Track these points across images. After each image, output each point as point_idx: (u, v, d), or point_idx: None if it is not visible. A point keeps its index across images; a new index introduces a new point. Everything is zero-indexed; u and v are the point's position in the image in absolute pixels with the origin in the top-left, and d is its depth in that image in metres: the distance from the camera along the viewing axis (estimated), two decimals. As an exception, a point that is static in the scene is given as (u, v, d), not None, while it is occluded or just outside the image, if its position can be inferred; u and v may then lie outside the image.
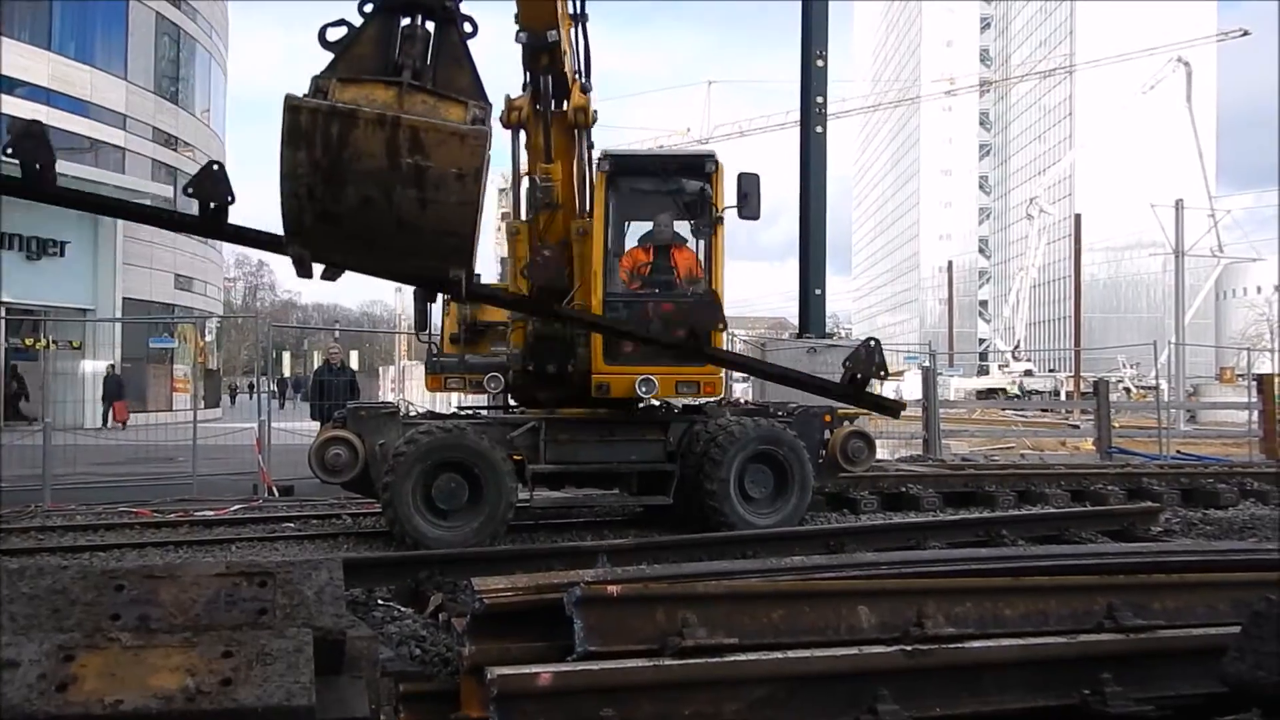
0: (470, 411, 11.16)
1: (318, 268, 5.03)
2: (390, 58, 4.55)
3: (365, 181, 4.46)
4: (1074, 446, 22.31)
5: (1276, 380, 19.12)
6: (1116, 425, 19.67)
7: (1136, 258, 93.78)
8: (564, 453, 9.70)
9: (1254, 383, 21.20)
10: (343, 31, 4.54)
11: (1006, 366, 56.51)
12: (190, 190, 4.81)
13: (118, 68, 32.06)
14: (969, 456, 18.49)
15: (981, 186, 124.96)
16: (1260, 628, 3.59)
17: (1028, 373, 54.70)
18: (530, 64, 7.95)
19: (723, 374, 10.19)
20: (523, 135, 8.97)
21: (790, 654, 3.85)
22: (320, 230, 4.63)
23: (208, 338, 38.20)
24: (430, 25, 4.62)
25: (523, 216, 9.54)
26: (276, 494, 12.61)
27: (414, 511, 8.84)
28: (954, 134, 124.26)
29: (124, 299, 30.16)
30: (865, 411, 14.79)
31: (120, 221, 30.21)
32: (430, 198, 4.50)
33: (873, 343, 6.02)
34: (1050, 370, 59.14)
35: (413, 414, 10.02)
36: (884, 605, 4.22)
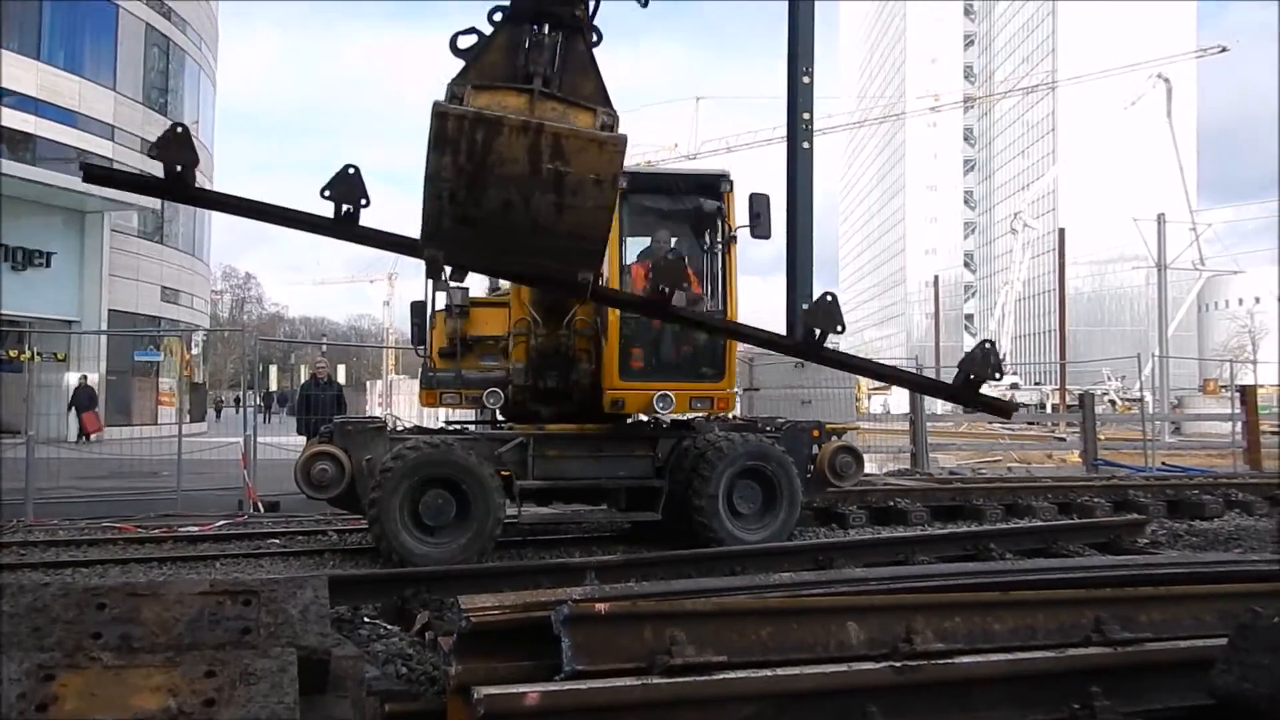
0: (458, 427, 11.13)
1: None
2: (519, 65, 4.65)
3: (506, 186, 4.59)
4: (1060, 459, 22.39)
5: (1259, 391, 19.25)
6: (1102, 438, 19.75)
7: (1120, 271, 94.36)
8: (552, 468, 9.67)
9: (1237, 394, 21.36)
10: (473, 39, 4.66)
11: (993, 380, 56.68)
12: (327, 193, 4.99)
13: (106, 78, 31.98)
14: (956, 470, 18.53)
15: (966, 201, 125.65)
16: (1247, 640, 3.59)
17: (1014, 386, 54.87)
18: None
19: (735, 390, 10.17)
20: None
21: (779, 671, 3.83)
22: (457, 233, 4.76)
23: (194, 351, 38.02)
24: (557, 34, 4.72)
25: None
26: (262, 510, 12.53)
27: (401, 528, 8.78)
28: (939, 149, 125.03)
29: (109, 311, 30.01)
30: (853, 426, 14.91)
31: (107, 232, 30.15)
32: (567, 202, 4.64)
33: (988, 344, 5.90)
34: (1036, 383, 59.38)
35: (400, 429, 9.98)
36: (873, 621, 4.21)
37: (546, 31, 4.68)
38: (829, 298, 5.76)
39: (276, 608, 3.25)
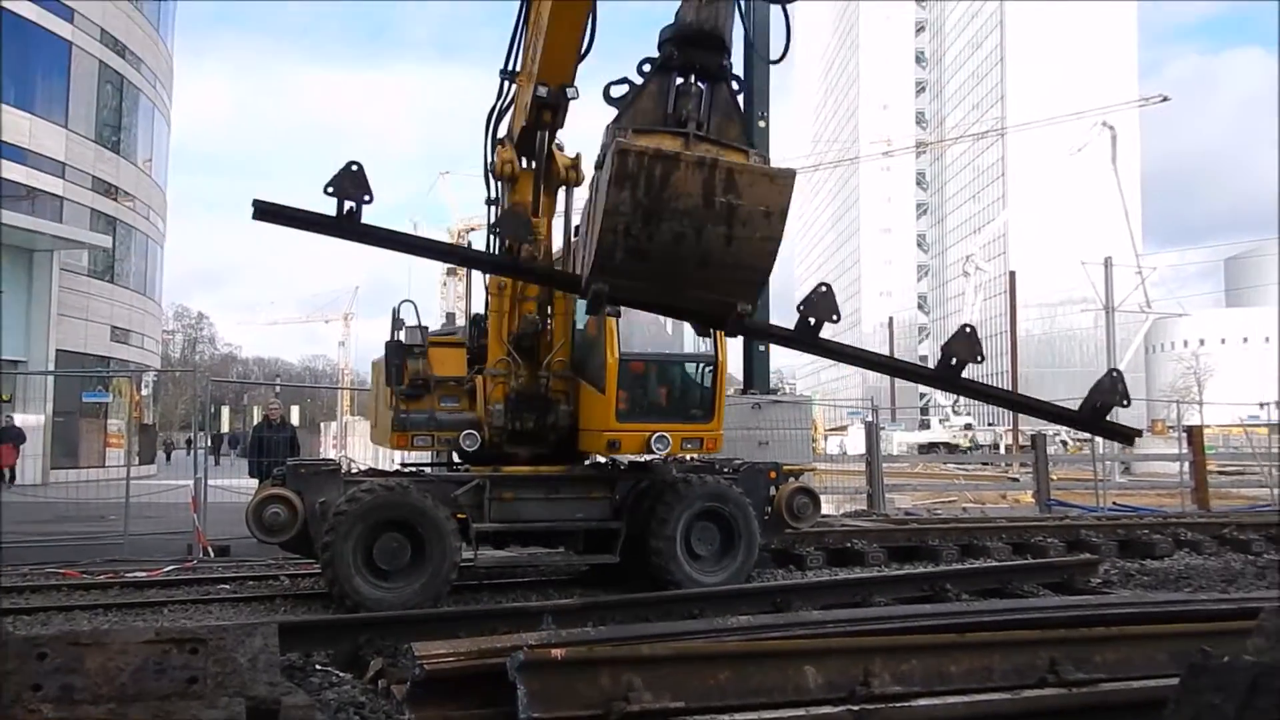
0: (414, 469, 11.02)
1: None
2: (670, 111, 5.04)
3: (680, 218, 4.83)
4: (1014, 499, 22.62)
5: (1205, 432, 19.62)
6: (1054, 478, 19.99)
7: (1069, 313, 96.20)
8: (509, 511, 9.60)
9: (1184, 434, 21.72)
10: (625, 89, 5.08)
11: (947, 420, 57.32)
12: (496, 230, 5.99)
13: (58, 115, 31.61)
14: (912, 511, 18.65)
15: (920, 244, 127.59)
16: (1198, 680, 3.62)
17: (967, 426, 55.53)
18: (536, 118, 8.52)
19: (722, 430, 10.34)
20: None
21: (737, 716, 3.81)
22: (627, 266, 4.94)
23: (144, 392, 37.34)
24: (704, 83, 5.16)
25: None
26: (211, 554, 12.27)
27: (354, 572, 8.65)
28: (892, 193, 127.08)
29: (58, 351, 29.42)
30: (810, 468, 14.96)
31: (56, 271, 29.65)
32: (736, 234, 4.90)
33: (1115, 372, 6.06)
34: (990, 424, 60.09)
35: (354, 471, 9.86)
36: (831, 664, 4.21)
37: (693, 80, 5.11)
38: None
39: (224, 656, 3.18)
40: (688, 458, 10.97)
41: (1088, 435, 30.27)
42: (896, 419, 61.48)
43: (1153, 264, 63.27)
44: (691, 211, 4.82)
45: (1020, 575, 10.13)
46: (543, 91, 8.13)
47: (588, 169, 8.32)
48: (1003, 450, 44.72)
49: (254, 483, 12.88)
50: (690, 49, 5.13)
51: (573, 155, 9.47)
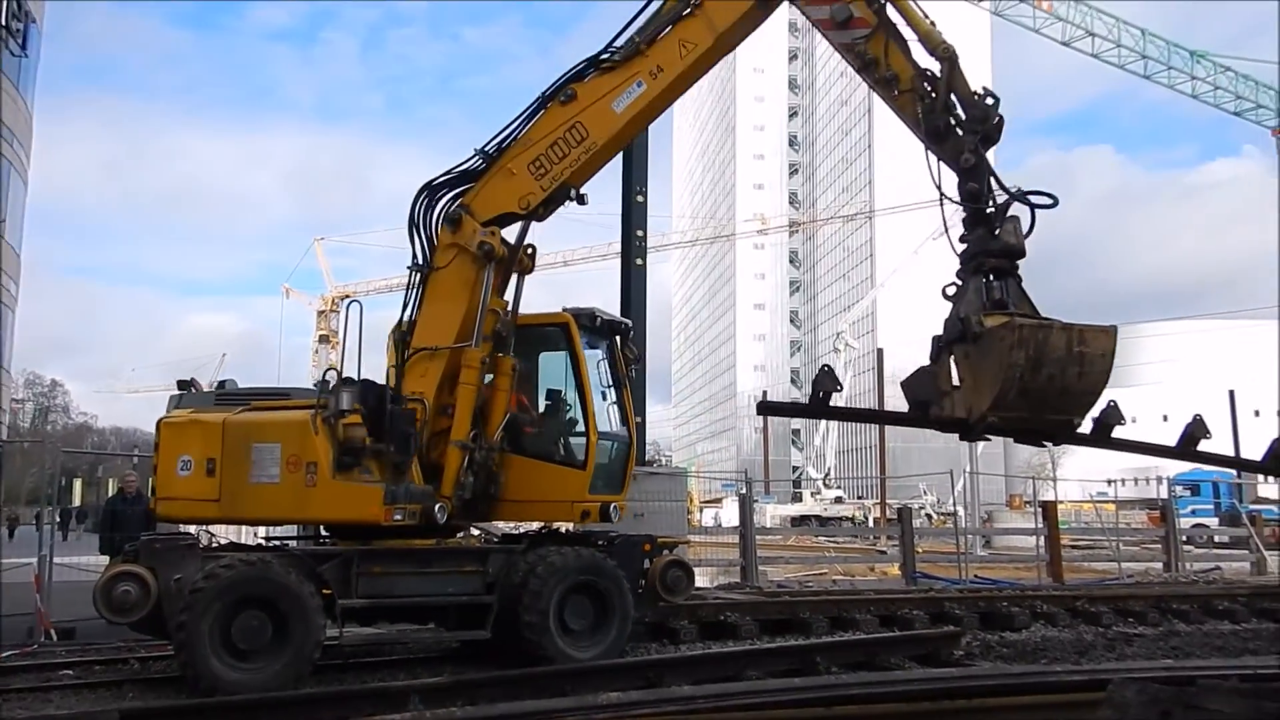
0: (277, 543, 10.61)
1: None
2: (990, 299, 7.96)
3: (1053, 364, 7.35)
4: (882, 571, 23.11)
5: (1059, 507, 20.50)
6: (920, 550, 20.53)
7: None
8: (377, 586, 9.29)
9: (1040, 509, 22.67)
10: (953, 289, 8.38)
11: (819, 494, 58.40)
12: (908, 392, 8.37)
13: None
14: (784, 583, 18.85)
15: (793, 320, 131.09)
16: (1051, 751, 3.76)
17: (838, 499, 56.65)
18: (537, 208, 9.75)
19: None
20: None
21: (607, 797, 3.76)
22: (1017, 402, 7.38)
23: (-13, 463, 34.98)
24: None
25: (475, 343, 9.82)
26: (55, 637, 11.48)
27: (211, 653, 8.20)
28: (766, 269, 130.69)
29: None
30: (684, 540, 15.00)
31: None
32: (1084, 371, 7.44)
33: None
34: (859, 497, 61.48)
35: (214, 545, 9.44)
36: (701, 741, 4.21)
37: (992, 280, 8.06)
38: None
39: (63, 748, 2.98)
40: (563, 529, 10.96)
41: (951, 509, 31.41)
42: (770, 491, 62.34)
43: (1010, 344, 66.11)
44: (1059, 359, 7.32)
45: (887, 647, 10.32)
46: (566, 191, 9.65)
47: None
48: (870, 523, 45.77)
49: (104, 560, 12.17)
50: (1005, 260, 8.09)
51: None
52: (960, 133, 8.49)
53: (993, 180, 8.35)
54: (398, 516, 9.19)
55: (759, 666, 9.27)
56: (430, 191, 9.99)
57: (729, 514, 41.28)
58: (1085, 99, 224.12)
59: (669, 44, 9.34)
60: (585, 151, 9.49)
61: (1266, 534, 26.79)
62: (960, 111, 8.52)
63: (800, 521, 49.12)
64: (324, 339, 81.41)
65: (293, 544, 10.36)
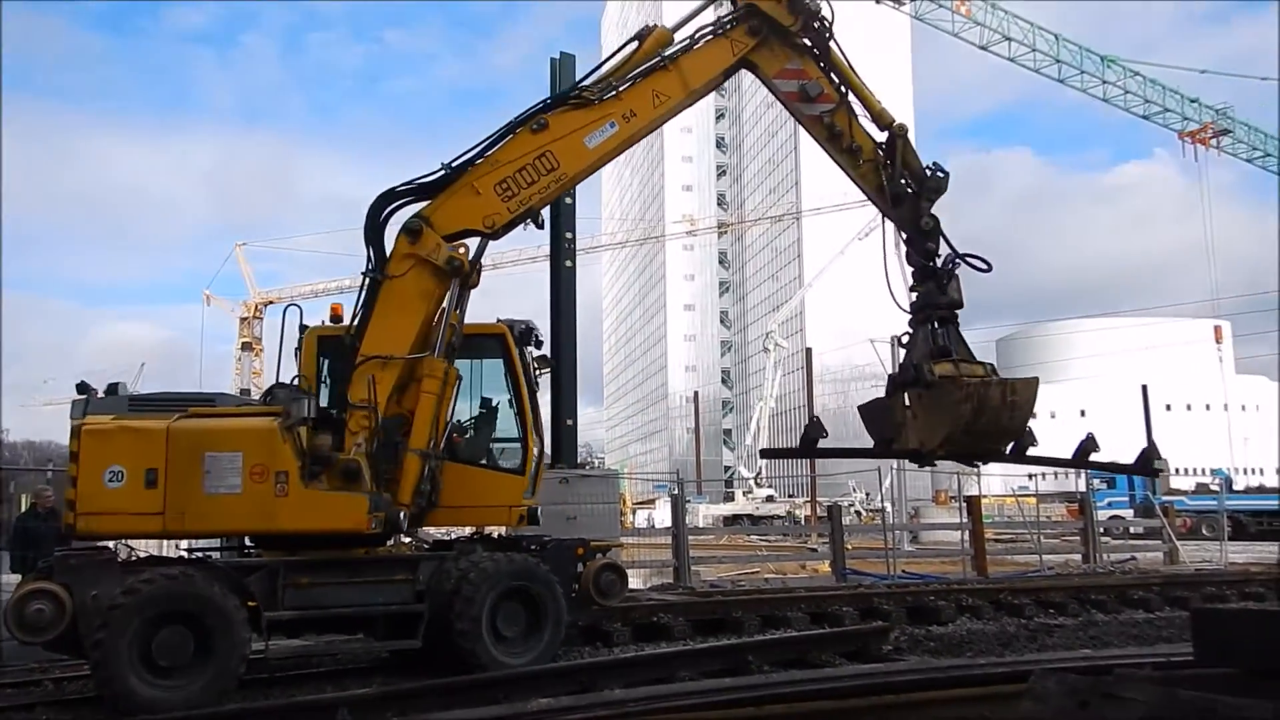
0: (200, 555, 10.34)
1: None
2: (936, 345, 9.61)
3: (991, 411, 9.24)
4: (813, 569, 23.36)
5: (983, 501, 20.94)
6: (849, 547, 20.80)
7: (861, 389, 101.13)
8: (305, 597, 9.11)
9: (964, 504, 23.14)
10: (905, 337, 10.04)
11: (750, 493, 58.87)
12: (866, 421, 10.46)
13: None
14: (717, 583, 18.96)
15: (723, 321, 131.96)
16: (976, 744, 3.84)
17: (769, 498, 57.14)
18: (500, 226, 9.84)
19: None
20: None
21: (539, 806, 3.74)
22: (960, 439, 9.38)
23: (-113, 477, 33.57)
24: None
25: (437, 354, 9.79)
26: (-40, 659, 11.03)
27: (130, 671, 7.97)
28: (696, 271, 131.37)
29: None
30: (617, 543, 15.01)
31: None
32: (1014, 414, 9.32)
33: (1151, 443, 9.44)
34: (790, 495, 62.10)
35: (133, 559, 9.17)
36: (633, 746, 4.21)
37: (937, 328, 9.68)
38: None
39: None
40: (495, 534, 10.92)
41: (880, 505, 31.83)
42: (702, 491, 62.70)
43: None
44: (995, 408, 9.19)
45: (818, 645, 10.45)
46: (530, 214, 9.83)
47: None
48: (801, 521, 46.26)
49: (16, 578, 11.73)
50: (949, 311, 9.73)
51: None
52: (918, 199, 9.94)
53: (945, 241, 9.96)
54: (374, 526, 9.08)
55: (692, 667, 9.30)
56: (388, 199, 9.94)
57: (662, 515, 41.42)
58: (1004, 102, 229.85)
59: (643, 91, 9.81)
60: (555, 181, 9.79)
61: (1179, 525, 27.77)
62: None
63: (733, 521, 49.45)
64: (247, 346, 79.52)
65: (215, 556, 10.11)
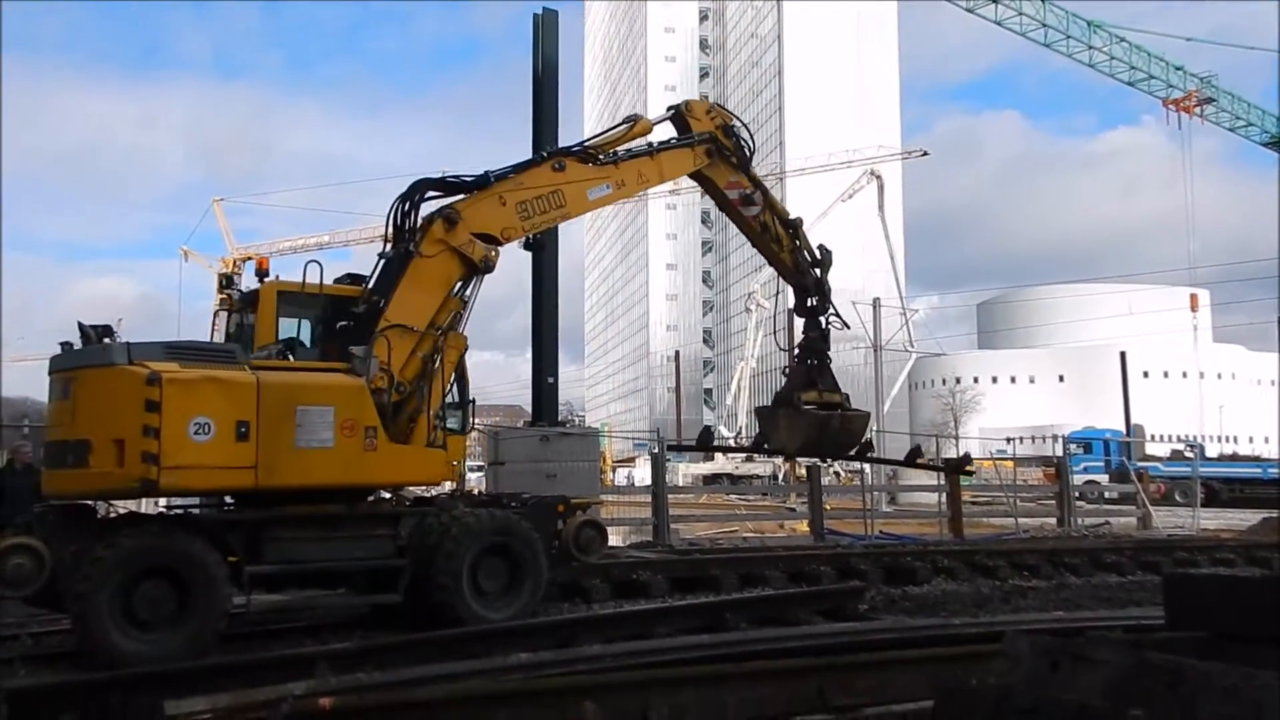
0: (181, 511, 10.32)
1: None
2: (810, 379, 13.14)
3: (830, 433, 12.91)
4: (792, 529, 23.57)
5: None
6: (828, 507, 21.00)
7: (842, 351, 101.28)
8: (286, 552, 9.12)
9: (942, 467, 23.30)
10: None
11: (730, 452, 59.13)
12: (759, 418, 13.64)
13: None
14: (696, 541, 19.11)
15: (705, 280, 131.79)
16: (950, 704, 3.90)
17: (749, 458, 57.45)
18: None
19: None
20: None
21: (517, 759, 3.78)
22: (809, 448, 13.55)
23: None
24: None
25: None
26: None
27: (111, 625, 7.98)
28: (678, 230, 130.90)
29: None
30: (597, 501, 15.12)
31: None
32: (851, 433, 13.19)
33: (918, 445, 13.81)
34: (769, 457, 62.38)
35: (112, 515, 9.14)
36: (610, 699, 4.26)
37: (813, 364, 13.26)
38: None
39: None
40: (476, 491, 10.99)
41: (858, 467, 32.26)
42: (682, 451, 62.94)
43: (915, 306, 67.98)
44: (834, 430, 12.67)
45: (795, 603, 10.55)
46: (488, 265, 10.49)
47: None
48: (781, 481, 46.57)
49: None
50: (823, 353, 13.15)
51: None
52: (822, 270, 13.43)
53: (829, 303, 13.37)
54: (453, 476, 10.53)
55: (670, 624, 9.38)
56: (423, 187, 10.79)
57: (642, 473, 41.59)
58: (992, 65, 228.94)
59: (631, 168, 11.78)
60: (560, 216, 11.43)
61: (1152, 490, 28.13)
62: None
63: (712, 480, 49.73)
64: (225, 304, 78.72)
65: (196, 512, 10.09)
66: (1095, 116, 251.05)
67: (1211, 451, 49.60)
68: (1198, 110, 49.73)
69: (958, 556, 14.78)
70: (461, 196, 10.68)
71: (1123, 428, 44.28)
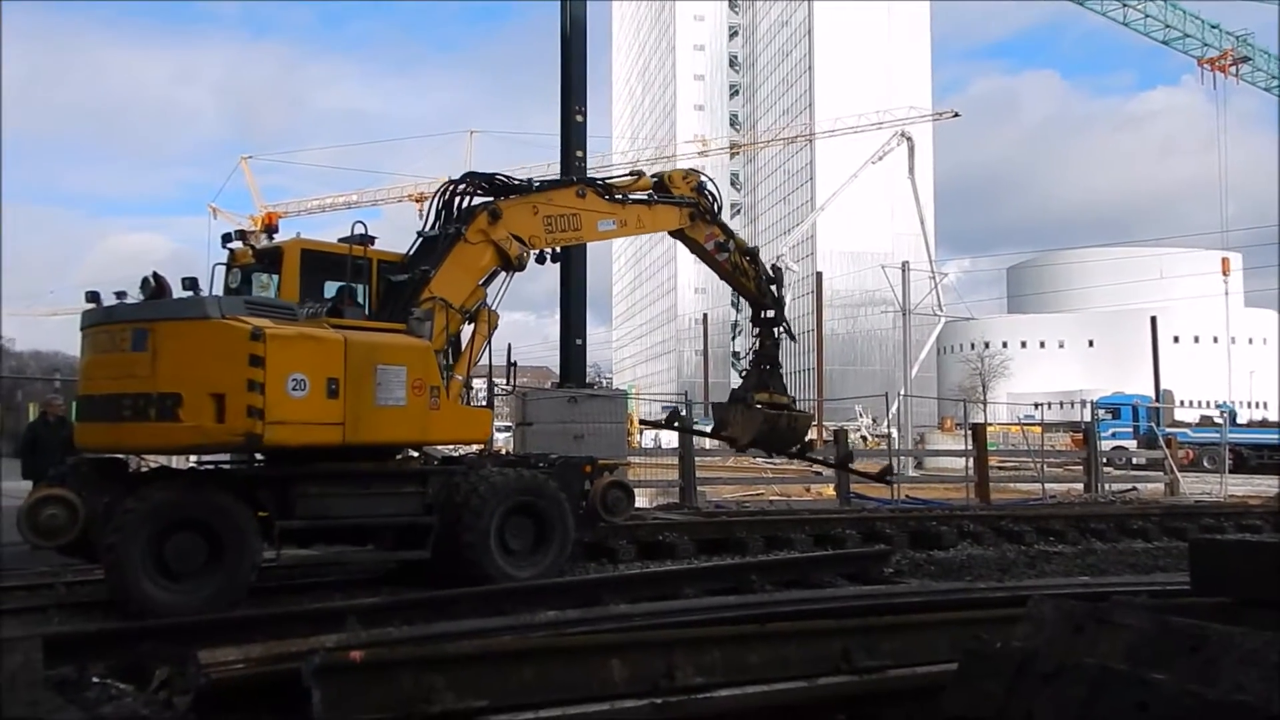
0: (212, 465, 10.44)
1: None
2: (762, 381, 13.75)
3: (779, 430, 13.53)
4: (818, 493, 23.57)
5: (988, 430, 20.98)
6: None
7: (871, 315, 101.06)
8: (316, 507, 9.20)
9: (969, 432, 23.23)
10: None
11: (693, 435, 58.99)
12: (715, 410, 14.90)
13: None
14: (722, 504, 19.15)
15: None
16: (974, 666, 3.89)
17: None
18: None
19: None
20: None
21: (541, 713, 3.82)
22: (760, 441, 13.70)
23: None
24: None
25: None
26: (-27, 564, 11.20)
27: (142, 575, 8.10)
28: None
29: None
30: (624, 462, 15.17)
31: None
32: (796, 430, 13.96)
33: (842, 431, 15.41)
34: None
35: (144, 470, 9.26)
36: (635, 658, 4.27)
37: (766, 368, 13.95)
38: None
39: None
40: (504, 451, 11.04)
41: (886, 431, 32.03)
42: (710, 414, 62.99)
43: (945, 270, 67.23)
44: (783, 428, 13.48)
45: (820, 566, 10.58)
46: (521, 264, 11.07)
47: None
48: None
49: (26, 485, 11.85)
50: (774, 359, 13.92)
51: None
52: (772, 289, 14.07)
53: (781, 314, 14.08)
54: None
55: (695, 585, 9.45)
56: (469, 180, 11.19)
57: (669, 437, 41.57)
58: (1029, 24, 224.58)
59: (633, 212, 12.48)
60: (575, 239, 12.26)
61: (1180, 456, 27.85)
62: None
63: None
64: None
65: (228, 468, 10.19)
66: (1134, 75, 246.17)
67: (1241, 417, 49.04)
68: (1233, 69, 48.66)
69: (983, 521, 14.76)
70: (502, 195, 11.27)
71: (1152, 393, 43.80)
